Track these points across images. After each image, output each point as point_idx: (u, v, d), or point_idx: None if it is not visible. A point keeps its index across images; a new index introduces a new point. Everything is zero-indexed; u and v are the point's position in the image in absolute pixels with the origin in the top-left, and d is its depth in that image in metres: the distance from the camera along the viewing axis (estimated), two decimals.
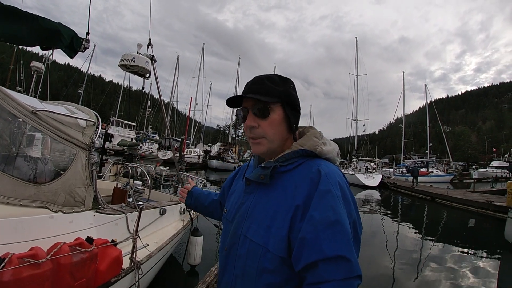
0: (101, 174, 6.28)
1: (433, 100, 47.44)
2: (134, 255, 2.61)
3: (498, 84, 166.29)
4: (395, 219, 12.77)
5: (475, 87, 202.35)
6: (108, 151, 30.78)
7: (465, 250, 8.53)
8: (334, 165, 1.00)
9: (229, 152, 41.58)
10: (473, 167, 53.39)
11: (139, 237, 2.65)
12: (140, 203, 3.65)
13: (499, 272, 6.85)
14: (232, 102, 1.07)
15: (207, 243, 7.01)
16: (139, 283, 2.67)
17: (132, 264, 2.60)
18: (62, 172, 2.62)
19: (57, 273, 1.90)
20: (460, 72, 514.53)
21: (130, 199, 3.63)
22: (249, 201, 1.03)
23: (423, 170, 35.13)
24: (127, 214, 3.25)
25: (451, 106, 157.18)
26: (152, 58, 5.37)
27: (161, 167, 25.03)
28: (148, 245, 3.54)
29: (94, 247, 2.11)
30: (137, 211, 3.42)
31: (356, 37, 44.22)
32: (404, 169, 36.01)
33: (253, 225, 0.96)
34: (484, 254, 8.06)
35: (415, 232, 10.48)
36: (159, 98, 6.28)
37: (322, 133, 1.08)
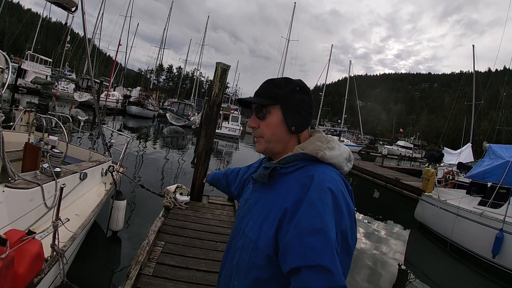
0: (11, 124, 5.33)
1: (352, 76, 50.83)
2: (56, 243, 2.18)
3: (415, 73, 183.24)
4: None
5: (393, 71, 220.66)
6: (20, 88, 27.59)
7: (375, 222, 9.49)
8: (334, 172, 0.97)
9: (150, 99, 39.91)
10: (380, 142, 59.31)
11: (60, 220, 2.21)
12: (58, 169, 3.12)
13: (407, 245, 7.77)
14: (243, 103, 1.12)
15: (131, 207, 6.59)
16: (64, 270, 2.29)
17: (55, 254, 2.18)
18: None
19: None
20: (382, 54, 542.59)
21: (46, 165, 3.05)
22: (252, 199, 1.06)
23: (335, 138, 38.43)
24: (43, 185, 2.73)
25: (368, 84, 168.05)
26: None
27: (81, 113, 22.96)
28: (68, 219, 3.08)
29: (9, 251, 1.64)
30: (54, 179, 2.92)
31: (295, 2, 44.68)
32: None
33: (251, 221, 0.99)
34: (394, 229, 9.05)
35: None
36: (84, 36, 5.41)
37: (331, 137, 1.07)
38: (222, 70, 5.96)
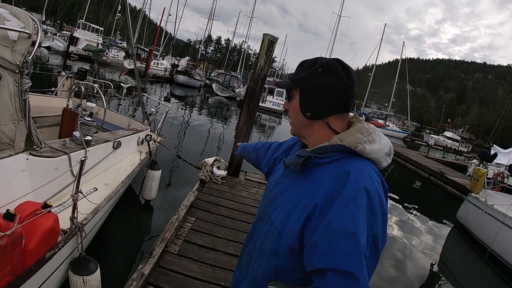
0: (53, 89, 5.39)
1: (404, 58, 48.56)
2: (75, 215, 2.07)
3: (469, 61, 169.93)
4: None
5: (446, 57, 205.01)
6: (72, 55, 28.82)
7: (415, 214, 8.95)
8: (372, 168, 0.90)
9: (197, 69, 40.58)
10: (427, 131, 56.19)
11: (81, 193, 2.08)
12: (89, 138, 3.02)
13: (444, 245, 7.22)
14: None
15: (168, 177, 6.60)
16: (83, 244, 2.20)
17: (74, 227, 2.08)
18: None
19: None
20: (436, 37, 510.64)
21: (77, 133, 2.96)
22: (282, 184, 1.03)
23: (381, 121, 36.96)
24: (71, 153, 2.61)
25: (420, 68, 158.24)
26: None
27: (129, 79, 23.75)
28: (96, 189, 3.01)
29: (15, 226, 1.52)
30: (84, 148, 2.81)
31: None
32: (363, 117, 37.42)
33: (278, 208, 0.97)
34: (432, 225, 8.47)
35: None
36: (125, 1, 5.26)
37: (373, 129, 0.98)
38: (269, 42, 5.60)
